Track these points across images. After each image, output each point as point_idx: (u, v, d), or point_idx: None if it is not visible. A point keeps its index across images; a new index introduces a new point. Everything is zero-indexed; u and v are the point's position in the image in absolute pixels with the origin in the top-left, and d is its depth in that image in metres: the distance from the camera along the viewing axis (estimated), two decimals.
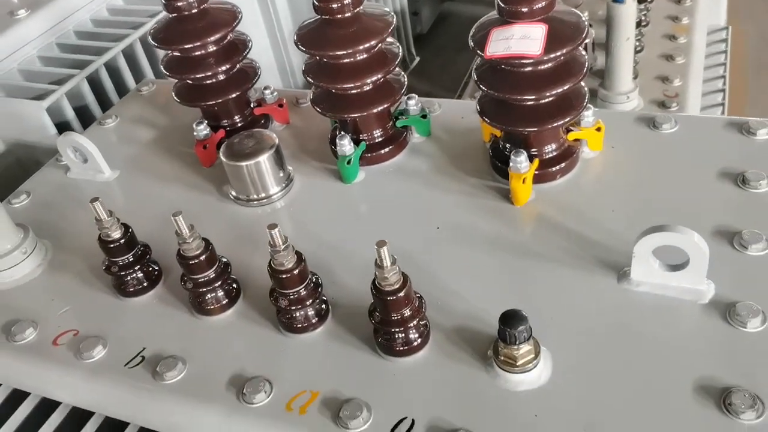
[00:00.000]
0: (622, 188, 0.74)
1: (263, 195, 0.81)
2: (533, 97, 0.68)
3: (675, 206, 0.70)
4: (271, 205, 0.82)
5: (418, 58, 2.07)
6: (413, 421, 0.57)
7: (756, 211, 0.68)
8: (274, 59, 1.55)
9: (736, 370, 0.55)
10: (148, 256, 0.74)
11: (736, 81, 1.54)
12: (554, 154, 0.75)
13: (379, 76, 0.77)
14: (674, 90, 1.24)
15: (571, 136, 0.76)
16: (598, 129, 0.76)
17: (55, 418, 0.71)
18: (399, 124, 0.85)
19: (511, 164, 0.72)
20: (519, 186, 0.72)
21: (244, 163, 0.79)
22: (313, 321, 0.65)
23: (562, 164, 0.75)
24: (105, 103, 1.15)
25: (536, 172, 0.74)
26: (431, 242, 0.72)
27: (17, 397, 0.74)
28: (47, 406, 0.73)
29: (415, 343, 0.61)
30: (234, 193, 0.83)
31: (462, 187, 0.78)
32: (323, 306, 0.66)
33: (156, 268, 0.75)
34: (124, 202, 0.87)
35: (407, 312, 0.59)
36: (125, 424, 0.69)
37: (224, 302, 0.69)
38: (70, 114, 1.11)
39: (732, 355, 0.56)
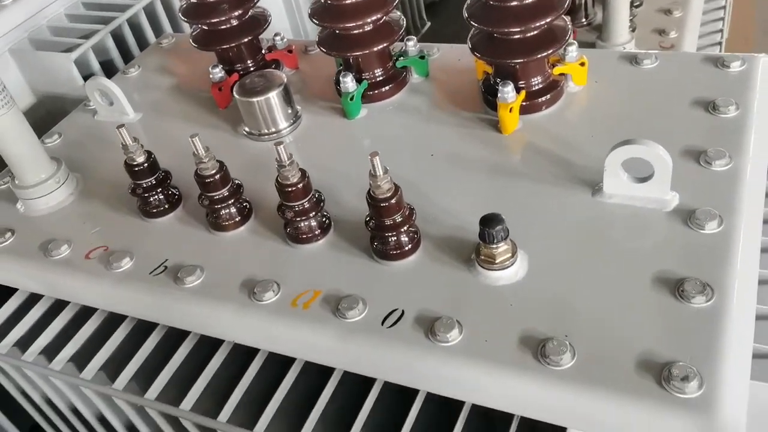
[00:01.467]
0: (602, 118, 0.80)
1: (273, 129, 0.89)
2: (519, 29, 0.75)
3: (650, 130, 0.76)
4: (281, 138, 0.89)
5: (429, 23, 2.12)
6: (403, 311, 0.64)
7: (723, 133, 0.74)
8: (287, 18, 1.62)
9: (691, 264, 0.61)
10: (168, 181, 0.81)
11: (738, 37, 1.57)
12: (540, 86, 0.81)
13: (379, 15, 0.84)
14: (670, 42, 1.28)
15: (556, 71, 0.82)
16: (582, 64, 0.82)
17: (92, 323, 0.80)
18: (399, 64, 0.91)
19: (499, 95, 0.78)
20: (506, 115, 0.78)
21: (255, 99, 0.86)
22: (317, 232, 0.73)
23: (548, 96, 0.81)
24: (128, 57, 1.23)
25: (523, 104, 0.80)
26: (425, 167, 0.79)
27: (57, 306, 0.84)
28: (84, 314, 0.82)
29: (407, 248, 0.68)
30: (247, 129, 0.91)
31: (456, 120, 0.85)
32: (325, 220, 0.74)
33: (176, 192, 0.82)
34: (146, 139, 0.95)
35: (398, 218, 0.66)
36: (153, 326, 0.77)
37: (237, 219, 0.77)
38: (95, 66, 1.18)
39: (688, 252, 0.63)
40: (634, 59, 0.86)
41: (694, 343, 0.56)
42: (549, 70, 0.82)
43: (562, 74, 0.83)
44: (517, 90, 0.79)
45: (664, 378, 0.54)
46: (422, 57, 0.91)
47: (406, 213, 0.67)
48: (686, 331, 0.57)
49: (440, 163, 0.79)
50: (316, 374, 0.70)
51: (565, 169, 0.74)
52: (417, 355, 0.61)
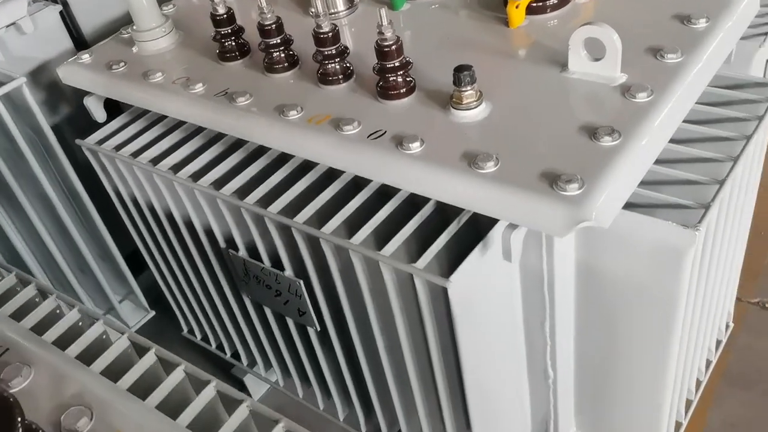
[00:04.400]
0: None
1: (332, 11, 1.09)
2: None
3: (627, 33, 0.90)
4: (338, 20, 1.09)
5: None
6: (385, 131, 0.83)
7: (688, 40, 0.86)
8: None
9: (614, 120, 0.76)
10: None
11: None
12: None
13: None
14: None
15: None
16: None
17: (310, 176, 0.95)
18: None
19: None
20: (513, 11, 0.95)
21: None
22: (339, 77, 0.93)
23: (555, 0, 0.96)
24: None
25: (533, 4, 0.96)
26: (440, 46, 0.97)
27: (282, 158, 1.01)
28: (305, 167, 0.98)
29: (402, 90, 0.87)
30: (312, 10, 1.12)
31: (479, 16, 1.02)
32: (348, 67, 0.94)
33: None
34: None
35: (397, 63, 0.85)
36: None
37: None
38: None
39: (615, 112, 0.78)
40: None
41: (590, 165, 0.72)
42: None
43: None
44: None
45: (556, 182, 0.70)
46: None
47: (404, 60, 0.86)
48: (588, 158, 0.72)
49: (452, 44, 0.97)
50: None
51: (550, 56, 0.90)
52: (389, 160, 0.81)
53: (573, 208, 0.68)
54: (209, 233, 1.04)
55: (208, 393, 0.65)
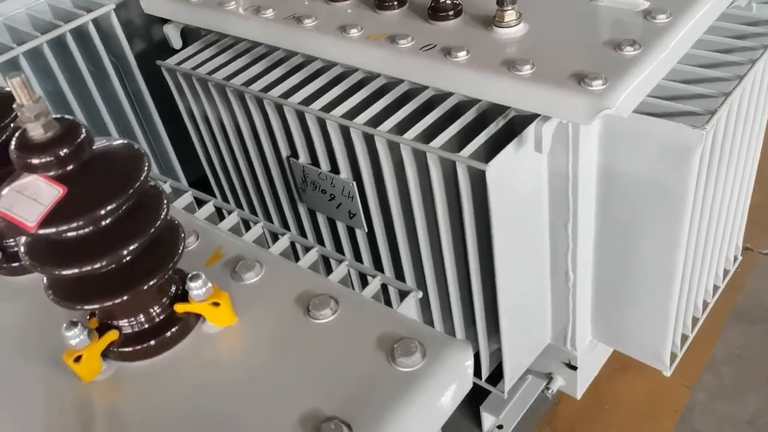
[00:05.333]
0: None
1: None
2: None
3: None
4: None
5: None
6: (435, 44, 0.96)
7: None
8: None
9: (635, 35, 0.89)
10: None
11: None
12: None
13: None
14: None
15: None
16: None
17: (366, 90, 1.12)
18: None
19: None
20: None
21: None
22: (394, 3, 1.06)
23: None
24: None
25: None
26: None
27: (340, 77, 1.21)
28: (362, 83, 1.16)
29: (451, 12, 1.00)
30: None
31: None
32: None
33: None
34: None
35: None
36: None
37: None
38: None
39: (638, 30, 0.90)
40: None
41: (613, 68, 0.84)
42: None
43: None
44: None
45: (583, 80, 0.82)
46: None
47: None
48: (611, 63, 0.85)
49: None
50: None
51: None
52: (439, 67, 0.94)
53: (597, 99, 0.81)
54: (274, 144, 1.18)
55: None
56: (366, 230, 1.16)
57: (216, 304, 0.61)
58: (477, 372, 1.20)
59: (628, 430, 1.36)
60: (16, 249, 0.71)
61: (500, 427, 1.36)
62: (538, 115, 0.88)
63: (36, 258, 0.54)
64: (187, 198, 0.91)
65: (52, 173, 0.52)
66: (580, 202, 1.00)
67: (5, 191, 0.53)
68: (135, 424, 0.56)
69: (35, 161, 0.51)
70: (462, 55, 0.92)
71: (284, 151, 1.17)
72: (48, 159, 0.51)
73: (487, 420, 1.34)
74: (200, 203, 0.92)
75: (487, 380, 1.22)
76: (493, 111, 0.95)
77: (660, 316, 1.13)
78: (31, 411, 0.59)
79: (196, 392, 0.58)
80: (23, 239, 0.56)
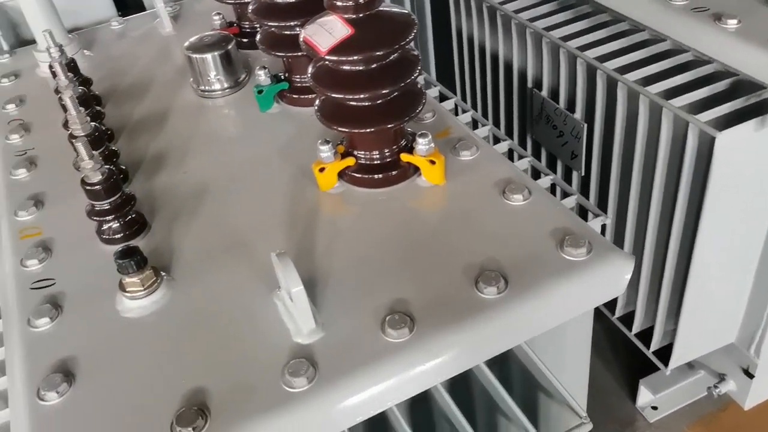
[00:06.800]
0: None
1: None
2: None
3: None
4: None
5: None
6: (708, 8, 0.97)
7: None
8: None
9: None
10: None
11: None
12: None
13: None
14: None
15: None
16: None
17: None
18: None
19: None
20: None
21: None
22: None
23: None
24: None
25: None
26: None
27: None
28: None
29: None
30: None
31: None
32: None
33: None
34: None
35: None
36: None
37: None
38: None
39: None
40: None
41: None
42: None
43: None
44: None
45: None
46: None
47: None
48: None
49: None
50: None
51: None
52: (705, 30, 0.94)
53: None
54: (522, 74, 1.27)
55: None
56: (582, 174, 1.21)
57: (432, 162, 0.74)
58: (647, 342, 1.22)
59: None
60: (299, 84, 0.90)
61: (654, 408, 1.36)
62: None
63: (317, 80, 0.71)
64: (434, 91, 1.05)
65: (347, 16, 0.67)
66: None
67: (311, 23, 0.69)
68: (347, 233, 0.72)
69: (338, 3, 0.67)
70: (732, 23, 0.92)
71: (530, 82, 1.26)
72: (348, 4, 0.66)
73: (644, 395, 1.35)
74: (442, 100, 1.05)
75: (655, 354, 1.23)
76: (748, 87, 0.94)
77: None
78: (278, 200, 0.77)
79: (396, 225, 0.72)
80: (311, 67, 0.73)
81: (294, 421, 0.55)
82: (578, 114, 1.15)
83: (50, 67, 0.84)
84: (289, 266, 0.58)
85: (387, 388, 0.58)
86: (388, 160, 0.75)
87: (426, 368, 0.59)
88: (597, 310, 0.72)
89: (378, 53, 0.67)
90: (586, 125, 1.14)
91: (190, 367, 0.60)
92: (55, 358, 0.63)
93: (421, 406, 0.74)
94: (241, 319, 0.63)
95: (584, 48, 1.10)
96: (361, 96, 0.69)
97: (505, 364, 0.76)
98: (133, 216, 0.74)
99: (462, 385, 0.75)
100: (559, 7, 1.24)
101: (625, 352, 1.40)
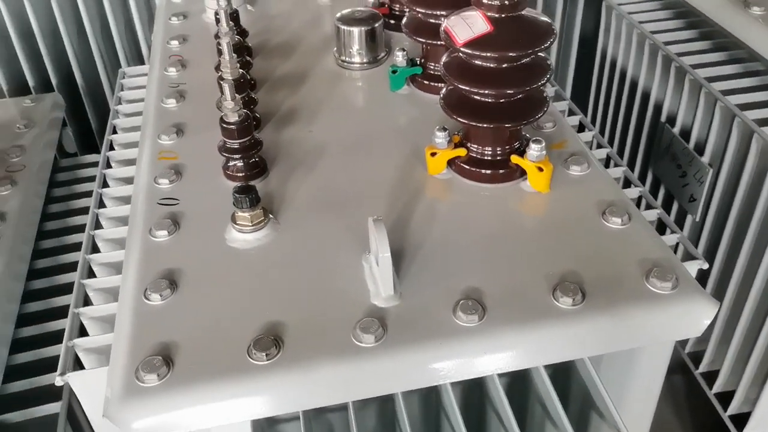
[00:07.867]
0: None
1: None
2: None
3: None
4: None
5: None
6: None
7: None
8: None
9: None
10: None
11: None
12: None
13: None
14: None
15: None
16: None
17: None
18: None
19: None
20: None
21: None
22: None
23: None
24: None
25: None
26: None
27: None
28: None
29: None
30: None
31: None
32: None
33: None
34: None
35: None
36: None
37: None
38: None
39: None
40: None
41: None
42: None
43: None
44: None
45: None
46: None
47: None
48: None
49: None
50: None
51: None
52: None
53: None
54: (658, 106, 1.24)
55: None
56: (697, 220, 1.18)
57: (540, 169, 0.75)
58: (726, 404, 1.17)
59: None
60: (432, 72, 0.94)
61: None
62: None
63: (448, 69, 0.74)
64: (563, 105, 1.05)
65: (489, 14, 0.70)
66: None
67: (455, 15, 0.73)
68: (443, 217, 0.75)
69: (485, 0, 0.70)
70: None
71: (664, 116, 1.23)
72: (493, 2, 0.69)
73: None
74: (569, 115, 1.05)
75: (732, 419, 1.18)
76: None
77: None
78: (388, 173, 0.81)
79: (491, 220, 0.74)
80: (444, 56, 0.77)
81: (353, 371, 0.60)
82: (706, 158, 1.12)
83: (215, 13, 0.93)
84: (383, 233, 0.62)
85: (446, 367, 0.61)
86: (499, 158, 0.78)
87: (487, 358, 0.61)
88: (683, 363, 0.71)
89: (511, 54, 0.69)
90: (711, 170, 1.11)
91: (275, 301, 0.66)
92: (164, 266, 0.70)
93: (476, 395, 0.77)
94: (329, 271, 0.69)
95: (727, 93, 1.07)
96: (486, 92, 0.72)
97: (567, 379, 0.77)
98: (257, 160, 0.81)
99: (518, 387, 0.77)
100: (712, 47, 1.21)
101: (704, 411, 1.35)
